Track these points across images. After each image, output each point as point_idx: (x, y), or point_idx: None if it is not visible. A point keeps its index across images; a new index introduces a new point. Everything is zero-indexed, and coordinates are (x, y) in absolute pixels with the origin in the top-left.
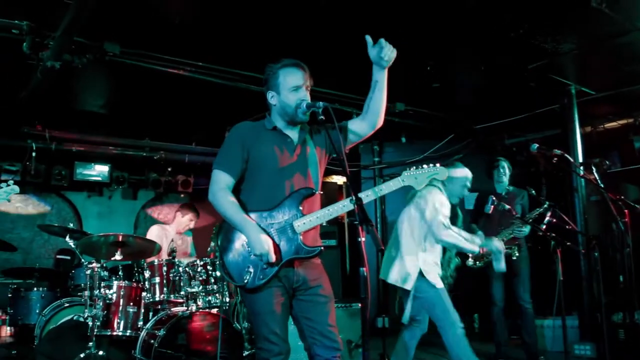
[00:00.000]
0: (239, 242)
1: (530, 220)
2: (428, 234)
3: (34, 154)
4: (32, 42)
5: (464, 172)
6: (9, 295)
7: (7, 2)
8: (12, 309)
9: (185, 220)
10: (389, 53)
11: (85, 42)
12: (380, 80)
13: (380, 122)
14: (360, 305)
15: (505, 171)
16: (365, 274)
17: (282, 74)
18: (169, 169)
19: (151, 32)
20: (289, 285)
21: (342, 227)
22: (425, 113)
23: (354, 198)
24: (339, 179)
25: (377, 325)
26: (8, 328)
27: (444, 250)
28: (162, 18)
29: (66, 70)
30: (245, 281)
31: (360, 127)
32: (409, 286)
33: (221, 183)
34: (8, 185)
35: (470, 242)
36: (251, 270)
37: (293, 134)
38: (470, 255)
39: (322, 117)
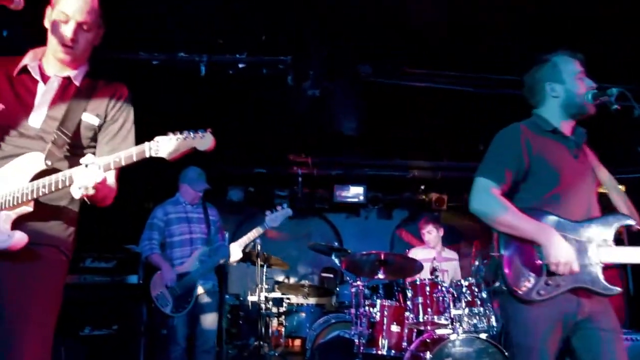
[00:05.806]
0: (525, 245)
1: None
2: None
3: (300, 179)
4: (295, 74)
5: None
6: (284, 309)
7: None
8: (287, 321)
9: (432, 235)
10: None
11: (340, 66)
12: None
13: None
14: None
15: None
16: None
17: (561, 62)
18: (422, 187)
19: (398, 49)
20: (571, 313)
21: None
22: None
23: None
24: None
25: None
26: (283, 339)
27: None
28: (410, 33)
29: (323, 96)
30: (521, 289)
31: None
32: None
33: (488, 190)
34: (283, 208)
35: None
36: (532, 279)
37: (571, 134)
38: None
39: (616, 106)
